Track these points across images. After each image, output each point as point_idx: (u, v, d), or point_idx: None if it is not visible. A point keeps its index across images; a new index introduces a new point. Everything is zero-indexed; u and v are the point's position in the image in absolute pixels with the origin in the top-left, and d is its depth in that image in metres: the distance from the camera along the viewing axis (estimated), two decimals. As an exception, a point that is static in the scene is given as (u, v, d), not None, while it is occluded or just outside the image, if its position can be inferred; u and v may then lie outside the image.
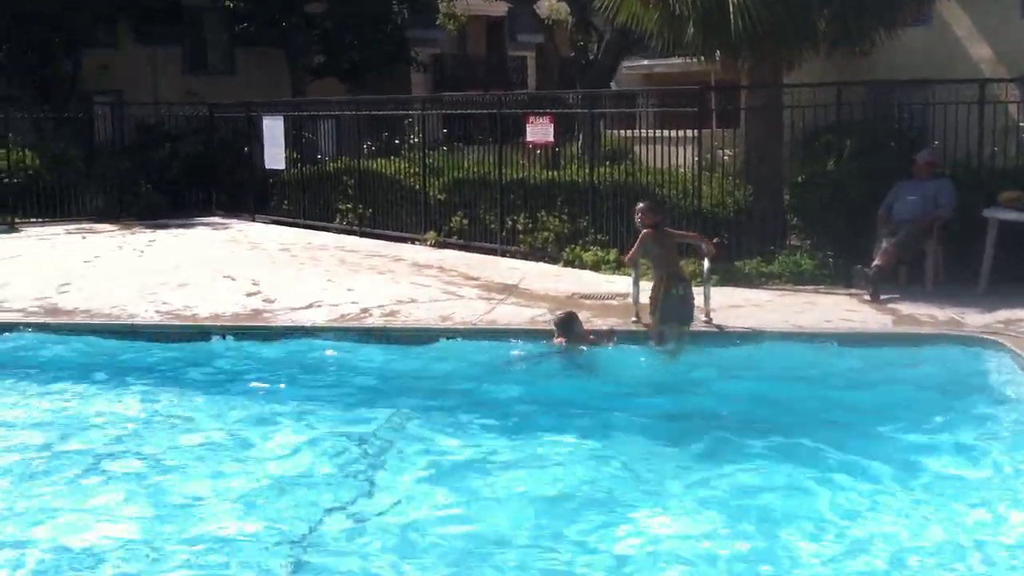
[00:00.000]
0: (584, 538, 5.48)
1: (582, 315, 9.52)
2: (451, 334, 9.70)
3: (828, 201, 11.80)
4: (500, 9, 29.76)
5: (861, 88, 13.46)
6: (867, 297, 10.47)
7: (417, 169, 15.92)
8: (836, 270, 11.31)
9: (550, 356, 9.01)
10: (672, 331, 9.18)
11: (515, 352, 9.24)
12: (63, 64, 24.19)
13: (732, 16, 11.16)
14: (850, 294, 10.76)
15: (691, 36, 12.07)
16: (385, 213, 16.44)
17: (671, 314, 9.19)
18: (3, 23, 22.27)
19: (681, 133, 13.05)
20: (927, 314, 9.81)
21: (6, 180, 18.58)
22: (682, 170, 12.79)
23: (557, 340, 9.13)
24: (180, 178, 20.13)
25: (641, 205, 9.71)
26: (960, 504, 5.80)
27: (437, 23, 22.36)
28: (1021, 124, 12.51)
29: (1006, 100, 12.25)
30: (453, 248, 14.84)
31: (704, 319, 9.60)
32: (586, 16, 19.73)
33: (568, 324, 9.16)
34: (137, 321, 10.38)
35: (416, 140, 16.41)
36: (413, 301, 11.03)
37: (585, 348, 9.04)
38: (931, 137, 12.87)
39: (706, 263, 9.79)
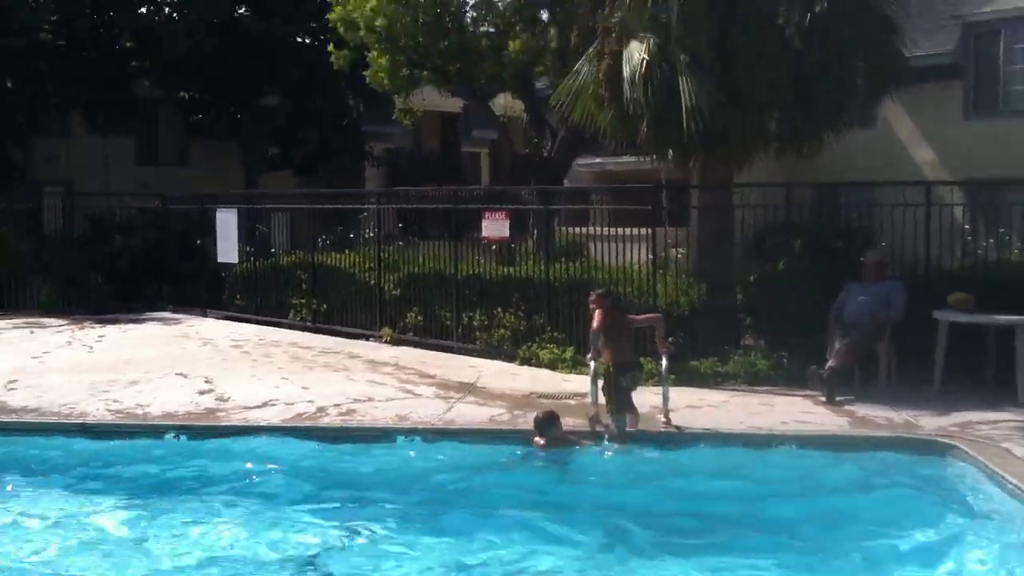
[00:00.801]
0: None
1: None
2: (410, 434, 9.61)
3: (780, 301, 12.00)
4: (455, 105, 30.19)
5: (809, 188, 13.77)
6: (822, 398, 10.57)
7: (372, 264, 15.91)
8: (791, 370, 11.42)
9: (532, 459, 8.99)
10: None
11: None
12: (13, 152, 24.05)
13: (684, 118, 11.39)
14: (805, 395, 10.84)
15: (644, 135, 12.30)
16: (339, 308, 16.33)
17: (624, 401, 9.37)
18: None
19: (634, 231, 13.23)
20: (883, 416, 9.90)
21: (-50, 272, 18.31)
22: (636, 267, 12.93)
23: (537, 441, 9.10)
24: (131, 271, 19.87)
25: (593, 295, 10.02)
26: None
27: (392, 118, 22.57)
28: (966, 227, 12.87)
29: (952, 203, 12.62)
30: (408, 345, 14.76)
31: (663, 420, 9.63)
32: (540, 113, 20.07)
33: (548, 425, 9.13)
34: (88, 420, 10.16)
35: (371, 234, 16.44)
36: (370, 400, 10.93)
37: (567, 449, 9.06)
38: (878, 238, 13.17)
39: (664, 362, 9.87)
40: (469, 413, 10.31)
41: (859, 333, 10.97)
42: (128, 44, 26.24)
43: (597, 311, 9.69)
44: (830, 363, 10.76)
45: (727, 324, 12.43)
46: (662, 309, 12.22)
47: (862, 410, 10.16)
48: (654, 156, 13.20)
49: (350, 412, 10.37)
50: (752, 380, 11.49)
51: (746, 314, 12.70)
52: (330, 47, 20.48)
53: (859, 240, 13.90)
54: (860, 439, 9.18)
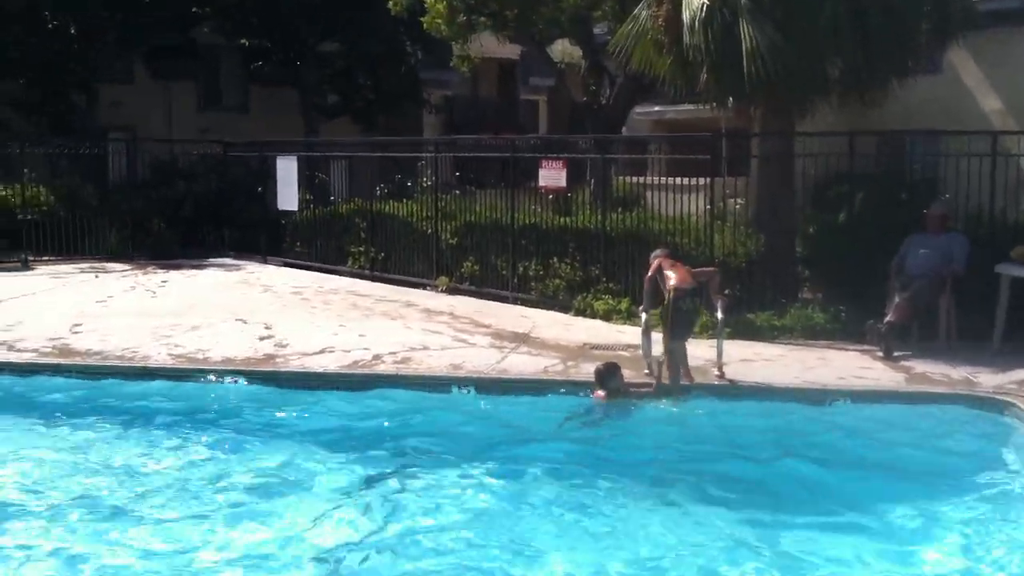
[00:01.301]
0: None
1: (594, 366, 9.53)
2: (463, 383, 9.70)
3: (840, 253, 11.85)
4: (513, 52, 29.92)
5: (873, 138, 13.50)
6: (880, 354, 10.46)
7: (429, 213, 15.98)
8: (849, 325, 11.29)
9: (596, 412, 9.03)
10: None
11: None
12: (76, 98, 24.39)
13: (745, 63, 11.21)
14: (863, 350, 10.74)
15: (704, 82, 12.13)
16: (397, 257, 16.51)
17: (682, 328, 9.35)
18: (18, 56, 22.47)
19: (692, 181, 13.10)
20: (941, 372, 9.81)
21: (20, 217, 18.66)
22: (694, 218, 12.84)
23: (598, 393, 9.15)
24: (193, 217, 20.19)
25: (657, 251, 10.10)
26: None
27: (450, 65, 22.47)
28: (1034, 178, 12.54)
29: (1019, 154, 12.29)
30: (464, 294, 14.86)
31: (716, 373, 9.63)
32: (599, 60, 19.84)
33: (609, 376, 9.17)
34: (150, 364, 10.41)
35: (428, 183, 16.49)
36: (425, 348, 11.05)
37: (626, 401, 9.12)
38: (943, 189, 12.91)
39: (719, 315, 9.83)
40: (522, 363, 10.38)
41: (920, 286, 10.79)
42: (186, -10, 26.36)
43: (652, 265, 9.74)
44: (888, 318, 10.63)
45: (785, 276, 12.32)
46: (719, 260, 12.15)
47: (920, 366, 10.05)
48: (714, 104, 13.02)
49: (405, 360, 10.49)
50: (809, 334, 11.39)
51: (805, 266, 12.57)
52: (387, -8, 20.38)
53: (923, 191, 13.63)
54: (916, 395, 9.10)
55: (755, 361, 10.32)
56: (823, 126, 13.39)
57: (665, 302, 9.46)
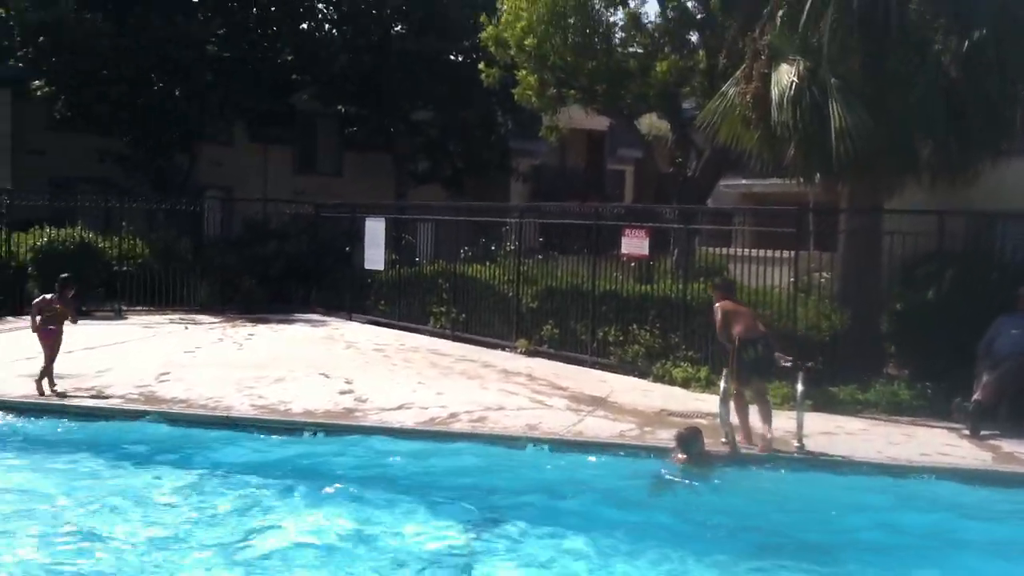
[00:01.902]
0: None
1: (670, 432, 9.46)
2: (538, 443, 9.69)
3: (928, 331, 11.64)
4: (601, 123, 30.27)
5: (963, 218, 13.29)
6: (966, 432, 10.21)
7: (511, 276, 16.13)
8: (935, 402, 11.06)
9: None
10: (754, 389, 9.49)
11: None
12: (179, 157, 25.30)
13: (833, 140, 11.19)
14: (949, 427, 10.50)
15: (791, 158, 12.12)
16: (478, 318, 16.66)
17: (747, 373, 9.43)
18: (125, 116, 23.40)
19: (777, 253, 13.02)
20: (1030, 453, 9.52)
21: (116, 268, 19.30)
22: (777, 290, 12.74)
23: (679, 457, 9.08)
24: (284, 275, 20.64)
25: (716, 281, 10.25)
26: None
27: (539, 135, 22.82)
28: None
29: (1115, 238, 11.99)
30: (543, 357, 14.90)
31: (796, 444, 9.47)
32: (686, 133, 19.95)
33: (692, 441, 9.12)
34: (233, 414, 10.60)
35: (512, 247, 16.66)
36: (501, 408, 11.09)
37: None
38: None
39: (799, 386, 9.69)
40: (599, 426, 10.35)
41: (1009, 367, 10.54)
42: (289, 58, 27.29)
43: (717, 310, 9.74)
44: (976, 396, 10.39)
45: (870, 352, 12.11)
46: (802, 333, 12.02)
47: (1007, 446, 9.79)
48: (801, 179, 12.99)
49: (481, 419, 10.54)
50: (893, 410, 11.16)
51: (890, 343, 12.35)
52: (481, 65, 20.88)
53: (1013, 273, 13.33)
54: (1003, 475, 8.83)
55: (837, 434, 10.13)
56: (910, 203, 13.22)
57: (731, 354, 9.52)
